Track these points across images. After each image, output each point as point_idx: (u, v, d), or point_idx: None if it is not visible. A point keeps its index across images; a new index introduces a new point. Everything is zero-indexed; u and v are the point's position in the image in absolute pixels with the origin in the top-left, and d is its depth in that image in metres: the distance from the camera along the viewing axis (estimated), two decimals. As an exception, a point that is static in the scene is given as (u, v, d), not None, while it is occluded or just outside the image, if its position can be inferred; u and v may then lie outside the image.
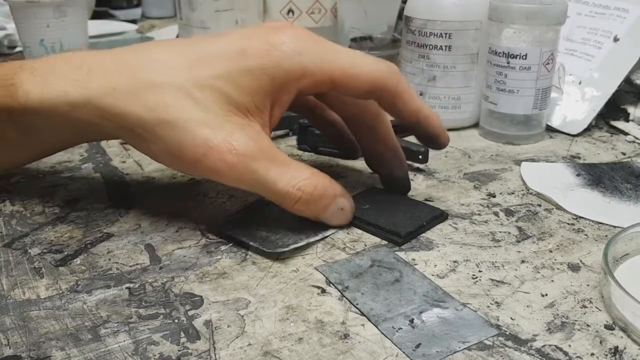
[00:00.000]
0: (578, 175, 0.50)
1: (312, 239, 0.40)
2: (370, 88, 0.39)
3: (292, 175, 0.38)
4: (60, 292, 0.35)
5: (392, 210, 0.43)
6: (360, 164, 0.53)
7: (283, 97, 0.39)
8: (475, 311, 0.33)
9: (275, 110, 0.39)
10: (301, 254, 0.39)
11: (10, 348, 0.30)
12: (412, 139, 0.56)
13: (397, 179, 0.46)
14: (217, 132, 0.36)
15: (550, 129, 0.61)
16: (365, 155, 0.48)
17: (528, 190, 0.48)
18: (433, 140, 0.44)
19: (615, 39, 0.62)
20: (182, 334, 0.31)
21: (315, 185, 0.38)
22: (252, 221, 0.42)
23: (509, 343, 0.31)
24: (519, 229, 0.42)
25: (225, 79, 0.37)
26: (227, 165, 0.37)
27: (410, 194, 0.47)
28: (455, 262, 0.38)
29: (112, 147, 0.57)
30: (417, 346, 0.31)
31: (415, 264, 0.38)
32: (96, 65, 0.39)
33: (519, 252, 0.39)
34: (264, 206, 0.43)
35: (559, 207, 0.45)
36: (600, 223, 0.43)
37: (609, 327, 0.32)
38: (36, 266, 0.37)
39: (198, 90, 0.37)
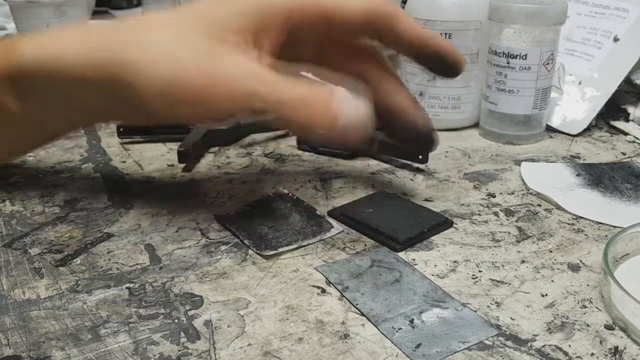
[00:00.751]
0: (578, 175, 0.50)
1: (306, 242, 0.40)
2: (365, 15, 0.38)
3: (294, 84, 0.36)
4: (60, 292, 0.35)
5: (395, 215, 0.43)
6: (360, 164, 0.53)
7: (273, 33, 0.38)
8: (475, 311, 0.33)
9: (269, 43, 0.39)
10: (301, 254, 0.39)
11: (10, 348, 0.30)
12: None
13: (422, 132, 0.43)
14: (210, 62, 0.36)
15: (550, 129, 0.61)
16: (383, 113, 0.43)
17: (528, 190, 0.48)
18: (445, 60, 0.41)
19: (615, 39, 0.62)
20: (182, 334, 0.31)
21: (320, 89, 0.36)
22: (257, 216, 0.42)
23: (509, 343, 0.31)
24: (519, 229, 0.42)
25: (218, 23, 0.37)
26: (223, 89, 0.36)
27: (410, 194, 0.47)
28: (455, 262, 0.38)
29: (112, 147, 0.57)
30: (417, 346, 0.31)
31: (415, 264, 0.38)
32: (94, 27, 0.39)
33: (519, 252, 0.39)
34: (271, 202, 0.44)
35: (559, 207, 0.45)
36: (600, 223, 0.43)
37: (609, 327, 0.32)
38: (36, 266, 0.37)
39: (192, 33, 0.37)
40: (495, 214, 0.44)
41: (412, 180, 0.50)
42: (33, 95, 0.41)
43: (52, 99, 0.41)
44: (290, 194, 0.46)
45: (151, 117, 0.40)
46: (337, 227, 0.41)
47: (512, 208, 0.45)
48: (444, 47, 0.40)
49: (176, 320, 0.33)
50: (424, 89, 0.60)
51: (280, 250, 0.39)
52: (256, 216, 0.43)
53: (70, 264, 0.38)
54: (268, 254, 0.38)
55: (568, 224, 0.43)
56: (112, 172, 0.51)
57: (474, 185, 0.49)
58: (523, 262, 0.38)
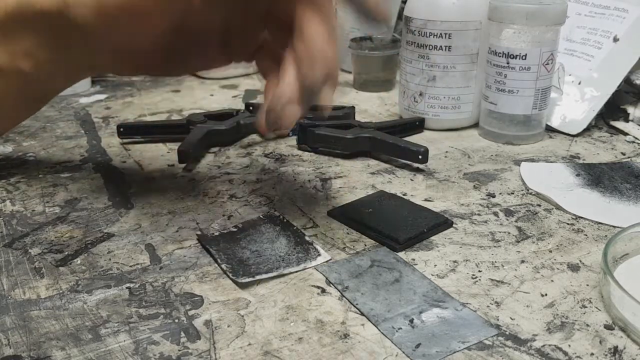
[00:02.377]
0: (578, 175, 0.50)
1: (288, 270, 0.37)
2: None
3: None
4: (61, 292, 0.35)
5: (395, 216, 0.43)
6: (360, 164, 0.53)
7: None
8: (475, 311, 0.33)
9: None
10: (301, 254, 0.39)
11: (10, 348, 0.30)
12: (412, 139, 0.56)
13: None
14: None
15: (549, 129, 0.61)
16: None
17: (528, 190, 0.48)
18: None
19: (615, 39, 0.62)
20: (182, 334, 0.31)
21: None
22: (242, 239, 0.40)
23: (509, 343, 0.31)
24: (519, 229, 0.42)
25: None
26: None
27: (410, 194, 0.47)
28: (455, 262, 0.38)
29: (112, 148, 0.57)
30: (417, 346, 0.31)
31: (415, 264, 0.38)
32: None
33: (519, 252, 0.39)
34: (260, 225, 0.42)
35: (558, 207, 0.45)
36: (600, 223, 0.43)
37: (608, 327, 0.32)
38: (36, 266, 0.38)
39: None
40: (495, 214, 0.44)
41: (412, 180, 0.50)
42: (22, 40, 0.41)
43: (35, 38, 0.41)
44: (281, 217, 0.43)
45: (98, 47, 0.40)
46: (324, 255, 0.39)
47: (511, 208, 0.45)
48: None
49: (176, 320, 0.33)
50: (424, 89, 0.60)
51: (258, 277, 0.36)
52: (241, 239, 0.40)
53: (70, 264, 0.38)
54: (243, 281, 0.36)
55: (568, 224, 0.43)
56: (112, 172, 0.51)
57: (474, 185, 0.49)
58: (523, 262, 0.38)
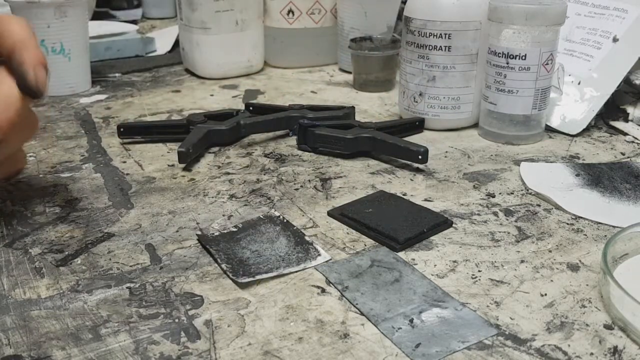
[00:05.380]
0: (577, 175, 0.50)
1: (288, 270, 0.37)
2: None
3: None
4: (61, 291, 0.35)
5: (395, 216, 0.43)
6: (360, 164, 0.53)
7: None
8: (475, 311, 0.33)
9: None
10: (301, 253, 0.39)
11: (11, 348, 0.30)
12: (412, 139, 0.56)
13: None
14: None
15: (549, 129, 0.61)
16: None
17: (527, 190, 0.48)
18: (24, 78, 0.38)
19: (615, 39, 0.62)
20: (183, 334, 0.32)
21: None
22: (242, 239, 0.40)
23: (509, 343, 0.31)
24: (519, 228, 0.42)
25: None
26: None
27: (410, 194, 0.47)
28: (454, 262, 0.38)
29: (112, 148, 0.57)
30: (417, 346, 0.31)
31: (414, 264, 0.38)
32: None
33: (519, 252, 0.40)
34: (260, 225, 0.42)
35: (558, 207, 0.45)
36: (600, 223, 0.43)
37: (608, 327, 0.32)
38: (37, 266, 0.38)
39: None
40: (495, 214, 0.44)
41: (412, 180, 0.50)
42: None
43: None
44: (281, 217, 0.43)
45: None
46: (324, 255, 0.39)
47: (511, 208, 0.45)
48: (26, 65, 0.38)
49: (176, 320, 0.33)
50: (424, 89, 0.60)
51: (258, 277, 0.36)
52: (241, 239, 0.40)
53: (70, 263, 0.38)
54: (243, 281, 0.36)
55: (567, 223, 0.43)
56: (112, 172, 0.51)
57: (474, 185, 0.49)
58: (522, 261, 0.38)
